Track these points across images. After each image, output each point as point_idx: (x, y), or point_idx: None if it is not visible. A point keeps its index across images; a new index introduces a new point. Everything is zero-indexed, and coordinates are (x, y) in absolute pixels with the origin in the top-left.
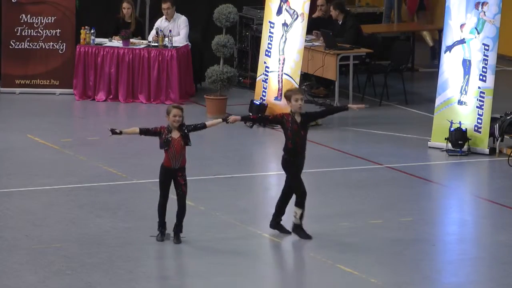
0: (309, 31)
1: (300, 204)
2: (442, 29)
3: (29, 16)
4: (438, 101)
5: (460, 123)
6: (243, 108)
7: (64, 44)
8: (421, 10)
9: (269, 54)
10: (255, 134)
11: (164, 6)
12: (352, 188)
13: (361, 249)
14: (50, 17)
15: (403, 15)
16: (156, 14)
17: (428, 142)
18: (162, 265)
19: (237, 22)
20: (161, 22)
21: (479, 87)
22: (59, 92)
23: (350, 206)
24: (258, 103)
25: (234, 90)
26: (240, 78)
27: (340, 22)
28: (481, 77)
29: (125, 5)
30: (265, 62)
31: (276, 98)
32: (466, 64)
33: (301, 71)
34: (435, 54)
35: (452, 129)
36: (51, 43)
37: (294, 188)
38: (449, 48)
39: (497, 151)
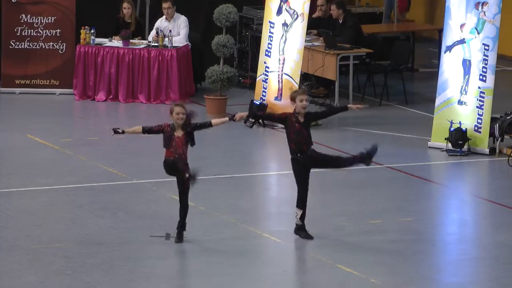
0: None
1: (301, 204)
2: (442, 29)
3: (29, 16)
4: (438, 101)
5: (460, 123)
6: (243, 108)
7: (64, 44)
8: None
9: (269, 54)
10: (255, 134)
11: (165, 5)
12: (352, 188)
13: (361, 249)
14: (50, 17)
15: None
16: (156, 14)
17: (428, 142)
18: (162, 265)
19: (237, 22)
20: (161, 22)
21: (479, 87)
22: (59, 92)
23: (350, 206)
24: (258, 103)
25: (234, 90)
26: (240, 78)
27: (341, 21)
28: (481, 77)
29: (125, 5)
30: (265, 62)
31: (276, 98)
32: (466, 64)
33: (301, 71)
34: None
35: (452, 129)
36: (51, 43)
37: (298, 188)
38: (449, 48)
39: (497, 151)
